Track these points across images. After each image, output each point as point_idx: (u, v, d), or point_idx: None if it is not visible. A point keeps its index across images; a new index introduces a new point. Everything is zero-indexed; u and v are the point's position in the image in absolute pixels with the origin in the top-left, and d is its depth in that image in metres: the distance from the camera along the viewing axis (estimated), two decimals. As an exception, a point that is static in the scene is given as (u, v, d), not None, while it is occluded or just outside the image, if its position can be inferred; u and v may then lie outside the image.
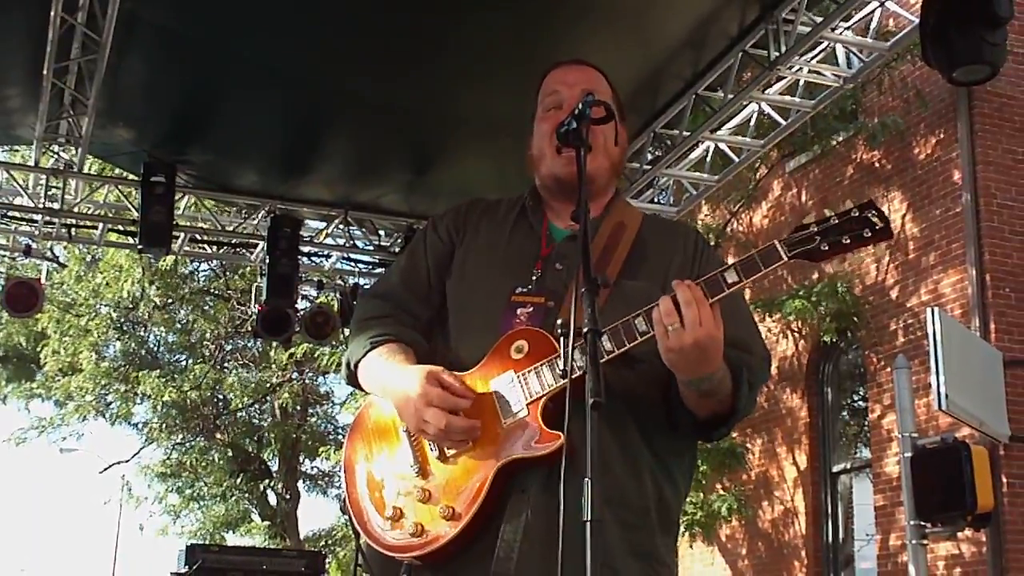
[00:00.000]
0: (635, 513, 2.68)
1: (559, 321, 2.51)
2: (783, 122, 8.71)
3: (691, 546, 15.42)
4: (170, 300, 19.80)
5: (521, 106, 8.32)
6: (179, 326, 21.70)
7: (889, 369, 11.89)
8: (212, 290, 20.66)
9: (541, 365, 2.63)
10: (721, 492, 14.12)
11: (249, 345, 21.67)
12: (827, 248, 2.58)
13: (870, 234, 2.59)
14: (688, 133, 8.75)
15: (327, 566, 9.23)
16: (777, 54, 7.79)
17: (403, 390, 2.70)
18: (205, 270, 20.08)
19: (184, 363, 22.16)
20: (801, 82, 8.38)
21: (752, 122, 8.83)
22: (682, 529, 13.52)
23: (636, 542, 2.67)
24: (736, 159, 9.04)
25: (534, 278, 2.80)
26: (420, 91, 8.16)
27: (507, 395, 2.66)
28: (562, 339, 2.47)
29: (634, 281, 2.76)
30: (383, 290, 3.13)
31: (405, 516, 2.67)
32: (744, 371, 2.69)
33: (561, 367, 2.53)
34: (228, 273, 19.13)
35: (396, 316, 2.96)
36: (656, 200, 10.03)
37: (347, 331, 11.48)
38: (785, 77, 8.32)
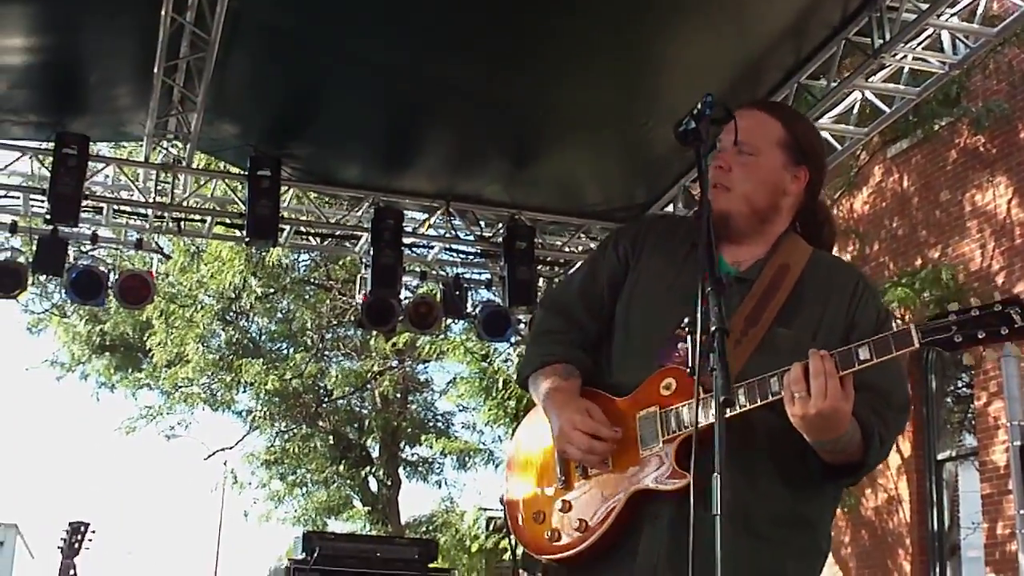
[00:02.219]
0: (768, 538, 2.81)
1: (686, 320, 2.62)
2: (887, 110, 8.60)
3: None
4: (272, 290, 20.08)
5: (620, 97, 8.40)
6: (280, 315, 21.99)
7: (995, 356, 11.69)
8: (312, 280, 20.90)
9: (683, 406, 2.80)
10: (823, 481, 14.01)
11: (350, 334, 21.88)
12: (960, 340, 2.64)
13: (1007, 331, 2.61)
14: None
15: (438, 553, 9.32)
16: (881, 42, 7.71)
17: (558, 411, 2.95)
18: (305, 260, 20.30)
19: (286, 352, 22.46)
20: (905, 69, 8.28)
21: (855, 110, 8.74)
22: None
23: (766, 566, 2.80)
24: (839, 147, 8.96)
25: (698, 316, 2.81)
26: (520, 83, 8.22)
27: (649, 427, 2.86)
28: (688, 337, 2.58)
29: (787, 329, 2.89)
30: (561, 303, 3.35)
31: (546, 521, 2.95)
32: (876, 428, 2.80)
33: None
34: (328, 263, 19.36)
35: (569, 334, 3.18)
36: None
37: (449, 320, 11.67)
38: (889, 65, 8.23)
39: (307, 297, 20.76)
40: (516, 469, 3.17)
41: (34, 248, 9.38)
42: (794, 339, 2.80)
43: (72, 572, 6.86)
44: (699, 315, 2.55)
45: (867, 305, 2.98)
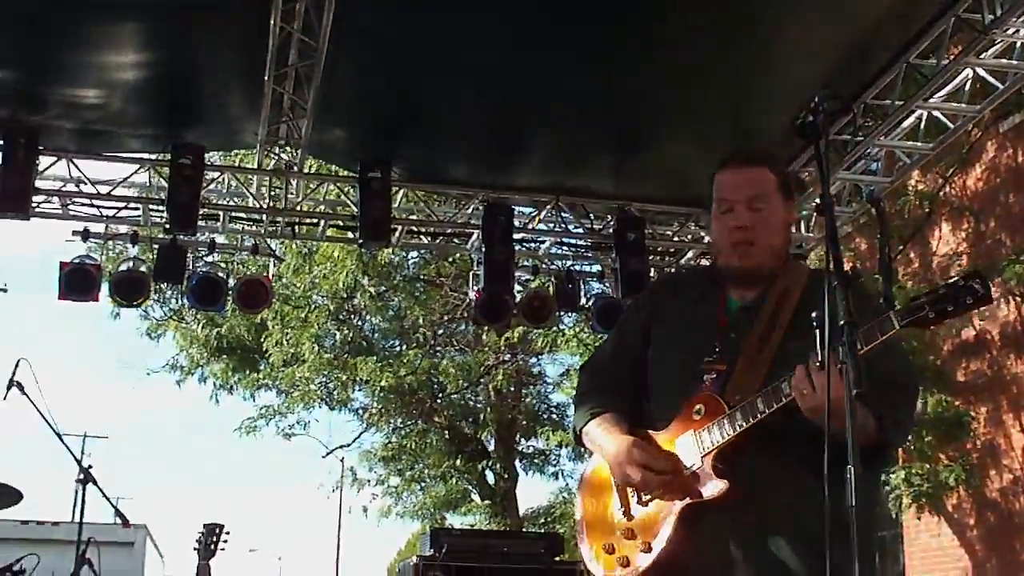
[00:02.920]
0: (807, 529, 3.02)
1: (814, 313, 2.81)
2: (999, 86, 8.41)
3: (918, 518, 15.10)
4: (383, 289, 20.27)
5: (724, 89, 8.35)
6: (392, 313, 22.17)
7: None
8: (423, 277, 21.06)
9: (713, 424, 3.22)
10: (947, 462, 13.80)
11: (462, 329, 22.02)
12: (933, 316, 2.94)
13: (971, 301, 2.91)
14: (900, 103, 8.56)
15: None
16: (992, 17, 7.58)
17: (613, 453, 3.38)
18: (415, 258, 20.46)
19: (399, 349, 22.65)
20: (1018, 44, 8.10)
21: (966, 87, 8.57)
22: (908, 501, 13.29)
23: (810, 555, 3.03)
24: (951, 126, 8.81)
25: (716, 349, 3.36)
26: (625, 77, 8.27)
27: (688, 450, 3.27)
28: (817, 332, 2.80)
29: (797, 343, 3.17)
30: (598, 365, 3.84)
31: (616, 550, 3.36)
32: (885, 410, 3.05)
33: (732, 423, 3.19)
34: (438, 260, 19.48)
35: (608, 389, 3.64)
36: (868, 171, 9.84)
37: (562, 314, 11.71)
38: (1000, 41, 8.06)
39: (418, 294, 20.90)
40: (585, 513, 3.59)
41: (154, 257, 9.59)
42: (803, 349, 3.01)
43: (208, 573, 7.01)
44: (825, 309, 2.73)
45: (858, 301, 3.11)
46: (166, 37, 7.94)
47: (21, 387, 6.45)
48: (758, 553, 3.14)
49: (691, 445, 3.26)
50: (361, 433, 24.21)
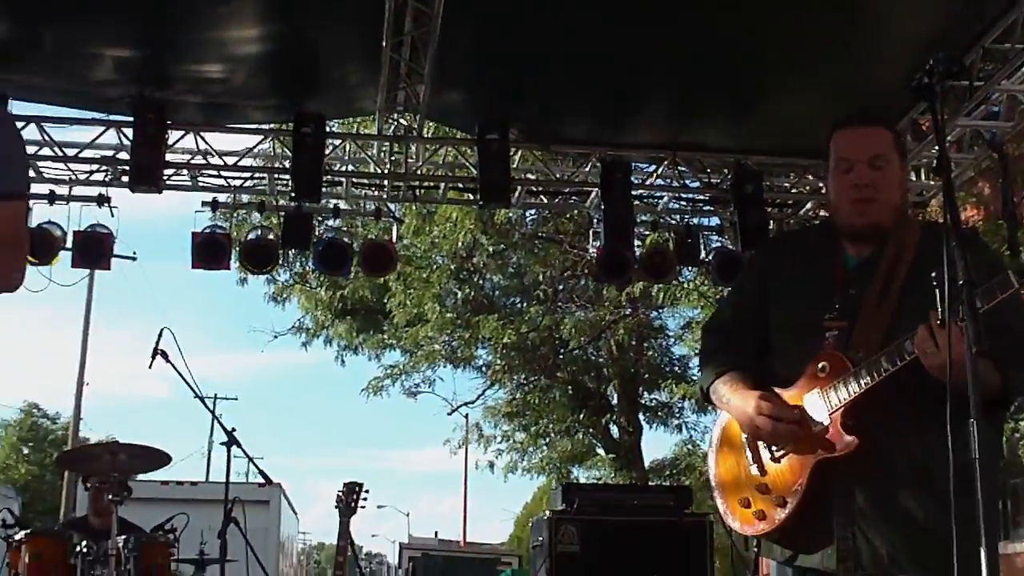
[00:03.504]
0: (934, 481, 3.12)
1: (933, 274, 2.88)
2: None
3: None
4: (503, 247, 20.42)
5: (837, 39, 8.27)
6: (512, 271, 22.32)
7: None
8: (542, 234, 21.14)
9: (838, 382, 3.30)
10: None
11: (582, 284, 22.09)
12: None
13: None
14: (1021, 46, 8.41)
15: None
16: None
17: (742, 408, 3.50)
18: (532, 215, 20.54)
19: (520, 306, 22.82)
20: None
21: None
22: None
23: (937, 506, 3.10)
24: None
25: (836, 305, 3.44)
26: (737, 30, 8.22)
27: (816, 406, 3.36)
28: (937, 291, 2.88)
29: (914, 298, 3.25)
30: (721, 326, 3.93)
31: (752, 504, 3.49)
32: (1006, 360, 3.11)
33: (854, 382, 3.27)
34: (556, 217, 19.55)
35: (731, 348, 3.75)
36: (989, 115, 9.67)
37: (682, 269, 11.76)
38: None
39: (537, 251, 21.00)
40: (718, 471, 3.70)
41: (281, 224, 9.83)
42: (921, 304, 3.07)
43: (349, 530, 7.25)
44: (945, 270, 2.80)
45: (975, 259, 3.13)
46: (284, 11, 8.13)
47: (165, 355, 6.68)
48: (888, 505, 3.25)
49: (818, 402, 3.34)
50: (484, 390, 24.50)
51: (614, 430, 24.42)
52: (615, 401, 24.35)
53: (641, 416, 24.50)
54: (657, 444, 57.88)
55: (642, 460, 24.15)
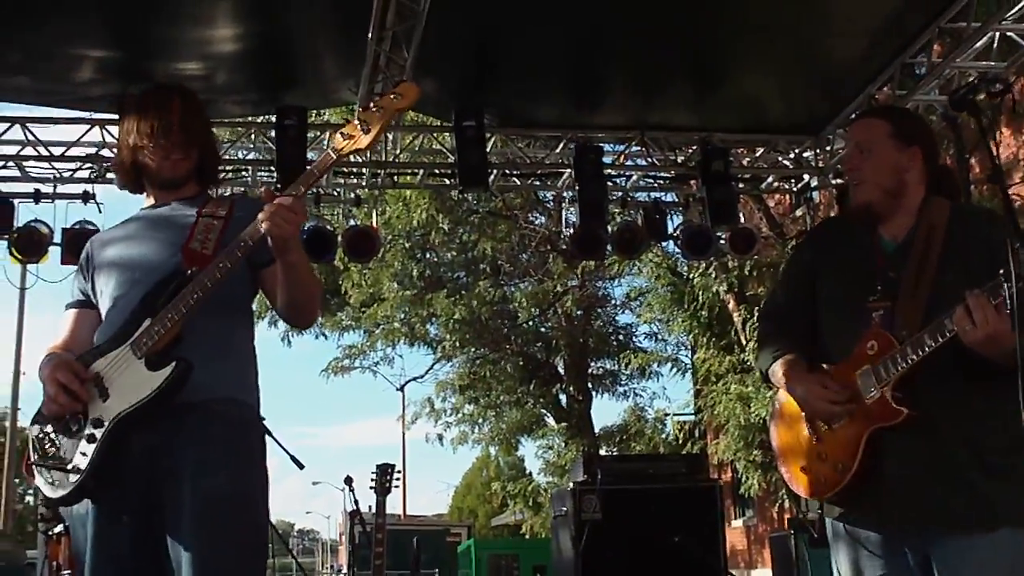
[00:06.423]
0: (983, 448, 3.55)
1: (1001, 272, 3.22)
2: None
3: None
4: (458, 226, 20.61)
5: (794, 16, 8.52)
6: (459, 245, 22.47)
7: None
8: (489, 210, 21.34)
9: (887, 359, 3.60)
10: None
11: (528, 257, 22.38)
12: None
13: None
14: (977, 24, 8.75)
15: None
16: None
17: (798, 388, 3.84)
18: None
19: (467, 280, 23.04)
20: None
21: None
22: None
23: (988, 470, 3.53)
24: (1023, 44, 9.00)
25: (878, 288, 3.76)
26: (697, 7, 8.50)
27: (867, 382, 3.66)
28: (1005, 286, 3.20)
29: (948, 278, 3.62)
30: (775, 311, 4.31)
31: (812, 470, 3.82)
32: None
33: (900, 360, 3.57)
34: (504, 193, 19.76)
35: (786, 332, 4.07)
36: (943, 92, 10.05)
37: (652, 243, 12.09)
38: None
39: (486, 228, 21.19)
40: (779, 440, 4.03)
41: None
42: (955, 284, 3.45)
43: (384, 508, 7.58)
44: (1011, 263, 3.15)
45: (1001, 236, 3.48)
46: (259, 7, 8.30)
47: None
48: (942, 470, 3.56)
49: (870, 377, 3.64)
50: (432, 365, 24.77)
51: (563, 400, 24.83)
52: (563, 371, 24.74)
53: (589, 384, 24.94)
54: (606, 411, 58.18)
55: (592, 428, 24.61)
